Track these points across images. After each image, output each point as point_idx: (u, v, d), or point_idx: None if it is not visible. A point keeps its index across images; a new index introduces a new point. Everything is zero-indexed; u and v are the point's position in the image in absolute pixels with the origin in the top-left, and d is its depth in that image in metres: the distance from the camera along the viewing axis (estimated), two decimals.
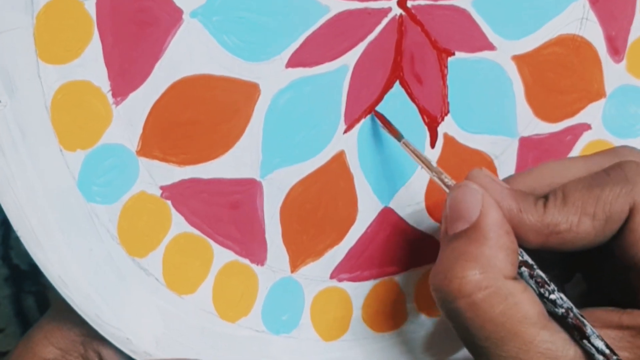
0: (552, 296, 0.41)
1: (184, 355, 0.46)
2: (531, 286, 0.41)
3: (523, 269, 0.42)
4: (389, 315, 0.51)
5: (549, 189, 0.44)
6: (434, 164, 0.45)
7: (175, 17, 0.43)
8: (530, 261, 0.42)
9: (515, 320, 0.40)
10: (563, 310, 0.41)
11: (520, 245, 0.42)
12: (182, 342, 0.46)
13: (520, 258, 0.42)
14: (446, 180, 0.44)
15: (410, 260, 0.51)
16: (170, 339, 0.46)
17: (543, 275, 0.42)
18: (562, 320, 0.41)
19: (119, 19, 0.42)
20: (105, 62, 0.43)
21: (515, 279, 0.41)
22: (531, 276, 0.41)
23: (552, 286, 0.41)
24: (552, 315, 0.41)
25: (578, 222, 0.41)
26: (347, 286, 0.50)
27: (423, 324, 0.51)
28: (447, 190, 0.43)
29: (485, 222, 0.41)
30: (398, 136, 0.46)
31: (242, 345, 0.48)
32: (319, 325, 0.49)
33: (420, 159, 0.45)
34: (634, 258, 0.42)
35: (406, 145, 0.46)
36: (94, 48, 0.42)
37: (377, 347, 0.51)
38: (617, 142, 0.52)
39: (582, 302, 0.48)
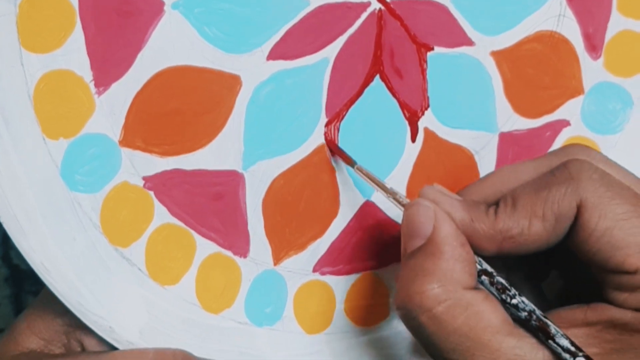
0: (514, 301, 0.40)
1: (167, 345, 0.45)
2: (493, 293, 0.41)
3: (483, 277, 0.41)
4: (372, 309, 0.49)
5: (501, 195, 0.43)
6: (388, 185, 0.44)
7: (156, 8, 0.42)
8: (489, 269, 0.41)
9: (478, 329, 0.39)
10: (526, 314, 0.40)
11: (479, 254, 0.41)
12: (165, 333, 0.45)
13: (479, 267, 0.41)
14: (401, 200, 0.43)
15: (392, 254, 0.49)
16: (153, 329, 0.44)
17: (503, 281, 0.41)
18: (526, 324, 0.40)
19: (101, 9, 0.41)
20: (88, 52, 0.41)
21: (475, 289, 0.40)
22: (492, 283, 0.41)
23: (513, 291, 0.40)
24: (517, 320, 0.40)
25: (529, 225, 0.41)
26: (330, 280, 0.48)
27: None
28: (402, 210, 0.42)
29: (439, 236, 0.40)
30: (351, 163, 0.45)
31: (226, 336, 0.46)
32: (302, 318, 0.48)
33: (374, 182, 0.44)
34: (589, 254, 0.41)
35: (360, 170, 0.45)
36: (77, 38, 0.41)
37: (359, 341, 0.49)
38: (596, 138, 0.50)
39: (560, 298, 0.46)
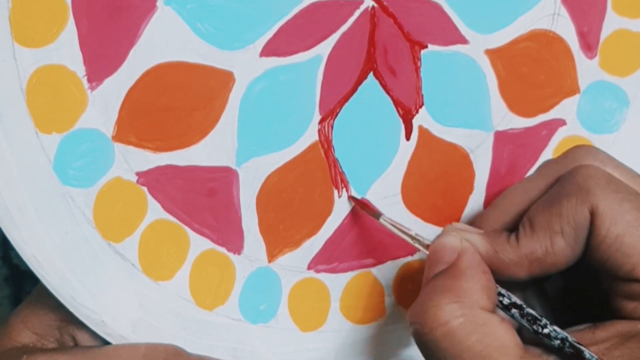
0: (546, 330, 0.40)
1: (160, 340, 0.44)
2: (523, 325, 0.40)
3: (513, 310, 0.41)
4: (368, 308, 0.48)
5: (518, 215, 0.43)
6: (414, 232, 0.44)
7: (149, 4, 0.41)
8: (518, 302, 0.41)
9: (492, 349, 0.38)
10: (559, 341, 0.40)
11: (508, 285, 0.41)
12: (158, 328, 0.44)
13: (508, 300, 0.41)
14: (427, 242, 0.43)
15: (387, 252, 0.48)
16: (146, 323, 0.44)
17: (533, 312, 0.40)
18: (559, 352, 0.40)
19: (93, 5, 0.41)
20: (81, 47, 0.41)
21: (491, 312, 0.40)
22: (522, 315, 0.40)
23: (544, 321, 0.40)
24: (546, 347, 0.40)
25: (551, 243, 0.41)
26: (325, 277, 0.47)
27: (401, 317, 0.49)
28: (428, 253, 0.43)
29: (462, 260, 0.41)
30: (376, 215, 0.45)
31: (220, 333, 0.46)
32: (297, 316, 0.47)
33: (401, 232, 0.44)
34: (600, 261, 0.40)
35: (385, 220, 0.45)
36: (69, 33, 0.41)
37: (355, 339, 0.48)
38: (592, 137, 0.50)
39: (562, 297, 0.45)
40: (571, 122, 0.49)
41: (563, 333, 0.40)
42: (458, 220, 0.49)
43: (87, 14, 0.41)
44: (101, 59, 0.41)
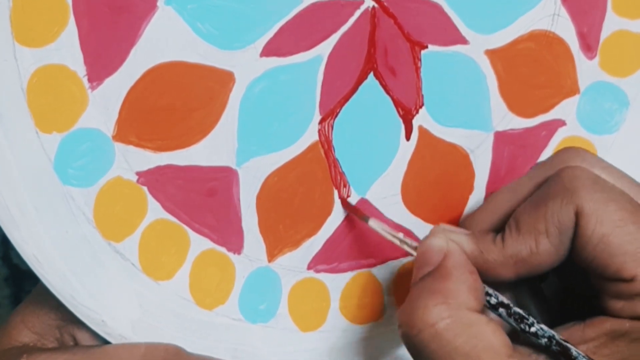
0: (533, 329, 0.40)
1: (159, 340, 0.44)
2: (511, 324, 0.41)
3: (501, 309, 0.41)
4: (367, 308, 0.49)
5: (506, 217, 0.43)
6: (401, 235, 0.44)
7: (150, 3, 0.41)
8: (506, 301, 0.41)
9: (479, 349, 0.39)
10: (546, 340, 0.40)
11: (495, 285, 0.41)
12: (158, 327, 0.44)
13: (495, 300, 0.41)
14: (414, 244, 0.43)
15: (387, 252, 0.48)
16: (146, 323, 0.44)
17: (520, 311, 0.41)
18: (547, 350, 0.40)
19: (94, 5, 0.41)
20: (81, 46, 0.41)
21: (479, 312, 0.40)
22: (509, 315, 0.41)
23: (531, 320, 0.40)
24: (536, 346, 0.40)
25: (536, 244, 0.41)
26: (325, 277, 0.47)
27: None
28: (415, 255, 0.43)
29: (449, 261, 0.41)
30: (365, 218, 0.45)
31: (219, 332, 0.46)
32: (297, 316, 0.47)
33: (389, 234, 0.44)
34: (586, 261, 0.40)
35: (374, 223, 0.45)
36: (70, 32, 0.41)
37: (354, 339, 0.48)
38: (592, 138, 0.50)
39: (558, 296, 0.46)
40: (571, 122, 0.49)
41: (550, 331, 0.40)
42: (458, 220, 0.49)
43: (87, 14, 0.41)
44: (102, 58, 0.41)
